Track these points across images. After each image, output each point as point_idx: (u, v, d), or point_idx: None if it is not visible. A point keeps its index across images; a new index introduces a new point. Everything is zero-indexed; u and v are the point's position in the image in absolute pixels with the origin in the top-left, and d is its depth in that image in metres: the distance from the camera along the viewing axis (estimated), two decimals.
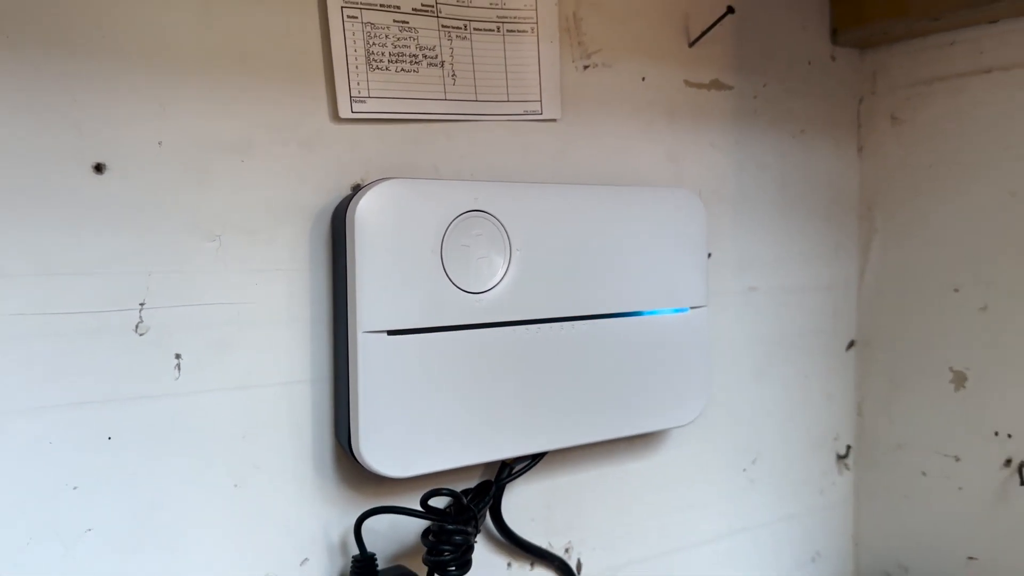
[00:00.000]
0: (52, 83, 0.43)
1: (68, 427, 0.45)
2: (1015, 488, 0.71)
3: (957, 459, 0.75)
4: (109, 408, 0.46)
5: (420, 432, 0.51)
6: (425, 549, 0.50)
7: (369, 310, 0.49)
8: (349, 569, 0.51)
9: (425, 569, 0.50)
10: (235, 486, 0.50)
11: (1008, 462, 0.72)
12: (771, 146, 0.73)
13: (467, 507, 0.51)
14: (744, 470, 0.74)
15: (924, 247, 0.76)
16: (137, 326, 0.46)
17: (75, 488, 0.45)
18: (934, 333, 0.76)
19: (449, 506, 0.53)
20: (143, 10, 0.46)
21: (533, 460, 0.58)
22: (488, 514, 0.58)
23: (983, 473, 0.73)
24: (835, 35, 0.77)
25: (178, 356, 0.47)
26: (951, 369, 0.75)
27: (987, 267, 0.72)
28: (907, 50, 0.77)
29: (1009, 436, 0.71)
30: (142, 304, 0.46)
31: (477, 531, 0.53)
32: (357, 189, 0.51)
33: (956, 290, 0.74)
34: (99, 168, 0.45)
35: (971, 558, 0.74)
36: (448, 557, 0.48)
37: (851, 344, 0.81)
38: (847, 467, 0.82)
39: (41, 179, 0.43)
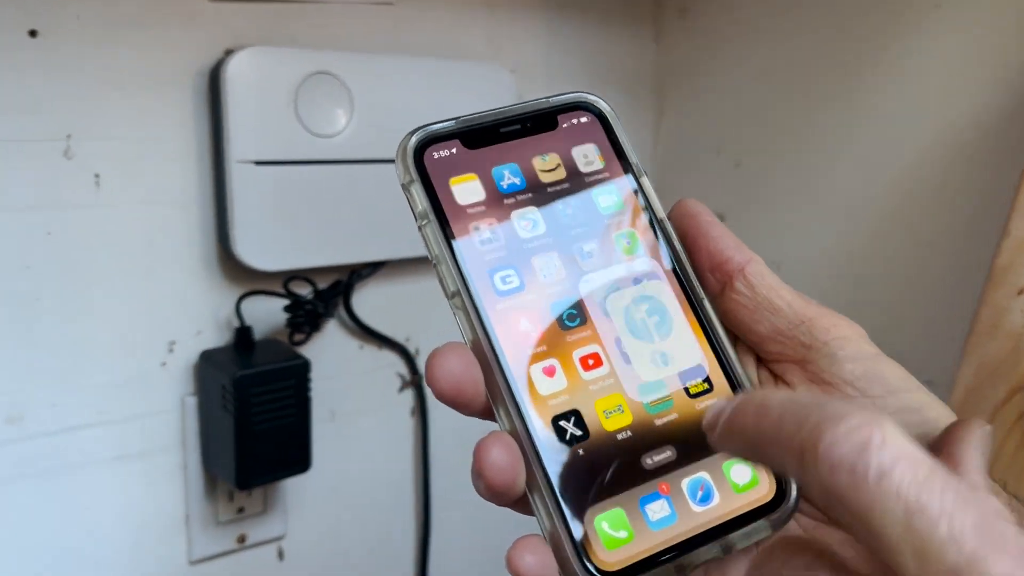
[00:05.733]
0: None
1: (18, 224, 0.62)
2: None
3: None
4: (46, 211, 0.63)
5: (284, 238, 0.69)
6: (287, 317, 0.69)
7: (239, 144, 0.66)
8: (233, 337, 0.71)
9: (287, 333, 0.70)
10: (146, 276, 0.68)
11: None
12: (575, 33, 0.92)
13: (318, 292, 0.71)
14: None
15: (700, 118, 0.97)
16: (66, 151, 0.63)
17: (28, 267, 0.63)
18: (705, 183, 0.97)
19: (308, 293, 0.73)
20: None
21: (375, 267, 0.77)
22: (343, 309, 0.77)
23: None
24: None
25: (96, 176, 0.65)
26: (715, 212, 0.97)
27: (740, 134, 0.93)
28: None
29: None
30: (69, 136, 0.63)
31: (327, 311, 0.72)
32: (229, 53, 0.68)
33: (719, 151, 0.95)
34: (33, 33, 0.61)
35: None
36: (302, 320, 0.68)
37: None
38: None
39: None
